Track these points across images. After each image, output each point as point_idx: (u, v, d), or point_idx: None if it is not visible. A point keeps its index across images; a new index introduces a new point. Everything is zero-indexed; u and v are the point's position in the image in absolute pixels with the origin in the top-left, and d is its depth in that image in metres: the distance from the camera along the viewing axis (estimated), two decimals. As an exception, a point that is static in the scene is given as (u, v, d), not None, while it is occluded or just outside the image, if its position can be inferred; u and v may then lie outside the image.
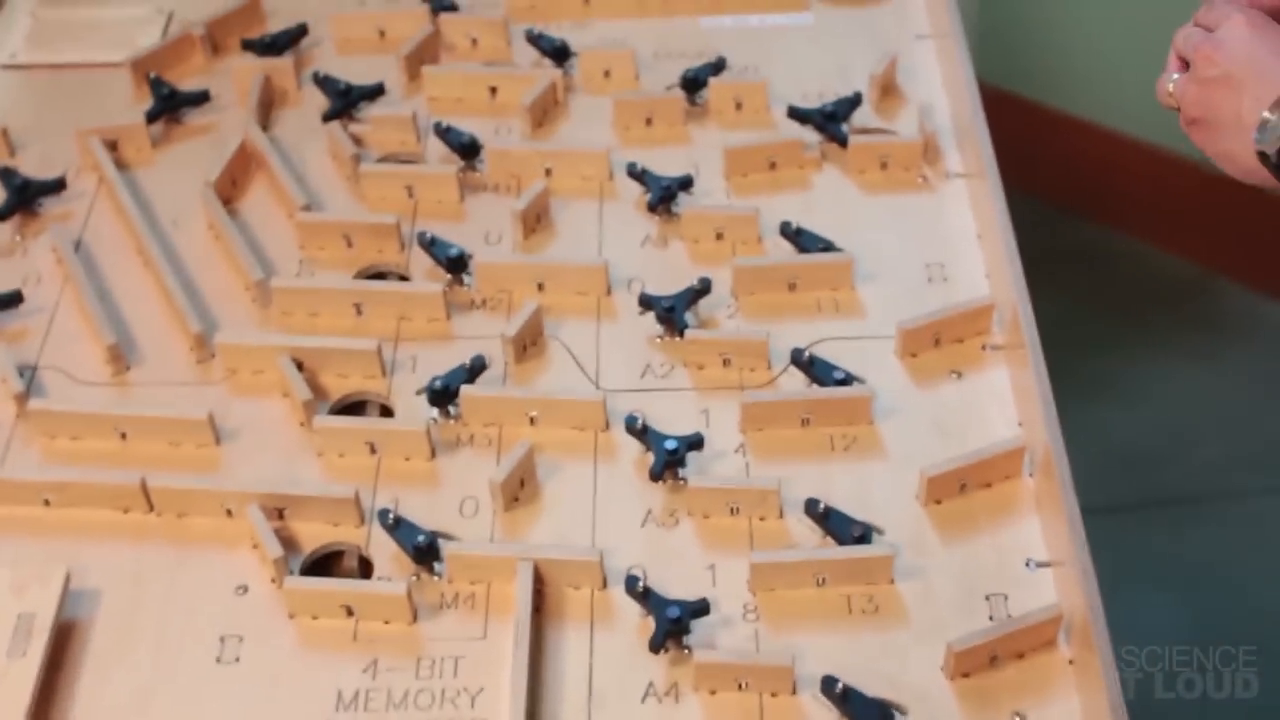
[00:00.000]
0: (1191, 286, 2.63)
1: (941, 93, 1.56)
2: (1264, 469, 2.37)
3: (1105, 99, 2.59)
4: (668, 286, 1.36)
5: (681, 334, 1.33)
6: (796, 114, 1.51)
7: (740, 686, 1.10)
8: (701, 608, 1.12)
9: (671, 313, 1.33)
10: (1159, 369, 2.48)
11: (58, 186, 1.50)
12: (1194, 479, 2.37)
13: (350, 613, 1.16)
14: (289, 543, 1.21)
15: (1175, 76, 1.14)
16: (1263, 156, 1.06)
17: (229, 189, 1.49)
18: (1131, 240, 2.71)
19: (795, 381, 1.30)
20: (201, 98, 1.58)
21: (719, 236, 1.41)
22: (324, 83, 1.57)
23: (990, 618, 1.13)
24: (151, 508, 1.24)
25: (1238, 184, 1.13)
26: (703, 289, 1.34)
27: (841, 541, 1.17)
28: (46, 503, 1.24)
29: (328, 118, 1.54)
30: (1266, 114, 1.05)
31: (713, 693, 1.10)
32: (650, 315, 1.34)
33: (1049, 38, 2.64)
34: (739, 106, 1.54)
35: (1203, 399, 2.48)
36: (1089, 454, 2.31)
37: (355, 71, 1.60)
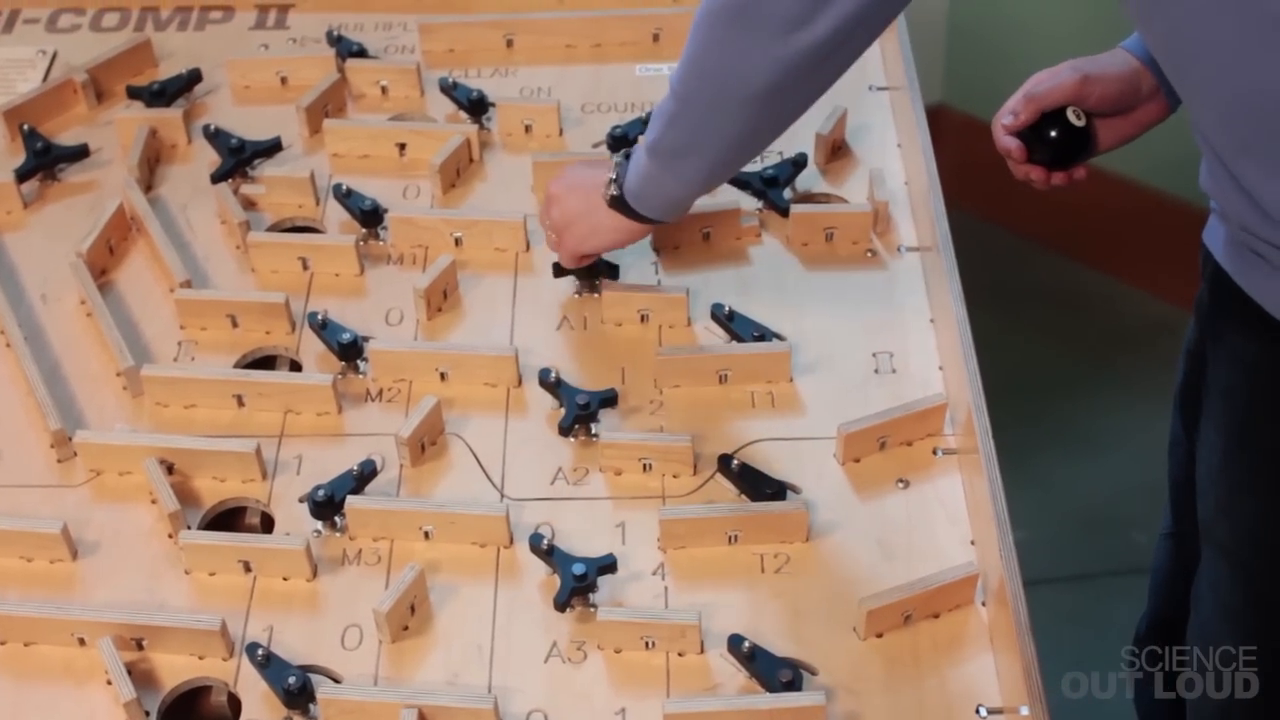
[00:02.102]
0: (1160, 325, 2.50)
1: (896, 153, 1.43)
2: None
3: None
4: (586, 378, 1.23)
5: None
6: (734, 179, 1.37)
7: None
8: None
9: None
10: (1133, 416, 2.34)
11: (-85, 255, 1.35)
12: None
13: (212, 765, 1.02)
14: (147, 677, 1.08)
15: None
16: (615, 201, 1.19)
17: (105, 258, 1.35)
18: (1105, 277, 2.59)
19: (723, 492, 1.17)
20: (80, 153, 1.44)
21: (643, 319, 1.28)
22: (215, 137, 1.43)
23: (936, 777, 1.00)
24: (-3, 637, 1.10)
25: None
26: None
27: (769, 686, 1.04)
28: (-124, 629, 1.10)
29: (217, 178, 1.40)
30: (614, 166, 1.19)
31: None
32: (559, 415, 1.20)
33: (1019, 66, 2.52)
34: (671, 168, 1.40)
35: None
36: (1060, 513, 2.21)
37: (253, 123, 1.46)
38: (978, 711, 1.04)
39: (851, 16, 1.01)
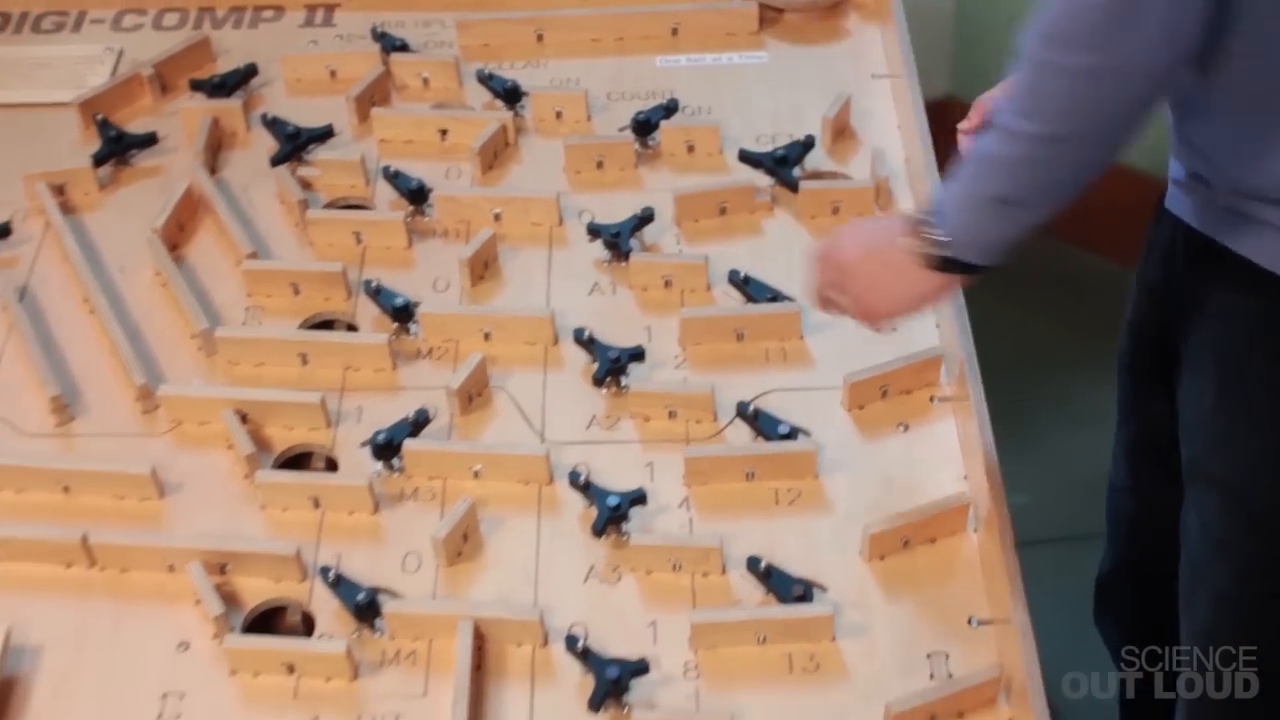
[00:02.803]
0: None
1: (895, 134, 1.56)
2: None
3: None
4: (616, 336, 1.36)
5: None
6: (748, 158, 1.51)
7: None
8: (641, 667, 1.12)
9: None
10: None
11: (3, 232, 1.49)
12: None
13: (291, 670, 1.16)
14: (231, 598, 1.21)
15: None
16: (944, 262, 1.13)
17: (176, 235, 1.48)
18: (1107, 261, 2.71)
19: (741, 435, 1.30)
20: (149, 140, 1.57)
21: (667, 284, 1.41)
22: (273, 125, 1.56)
23: (931, 676, 1.13)
24: (94, 563, 1.23)
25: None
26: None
27: (783, 599, 1.17)
28: (-13, 558, 1.24)
29: (276, 161, 1.53)
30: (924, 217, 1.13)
31: None
32: (591, 366, 1.34)
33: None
34: (691, 149, 1.54)
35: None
36: (1059, 479, 2.33)
37: (306, 112, 1.59)
38: (969, 622, 1.17)
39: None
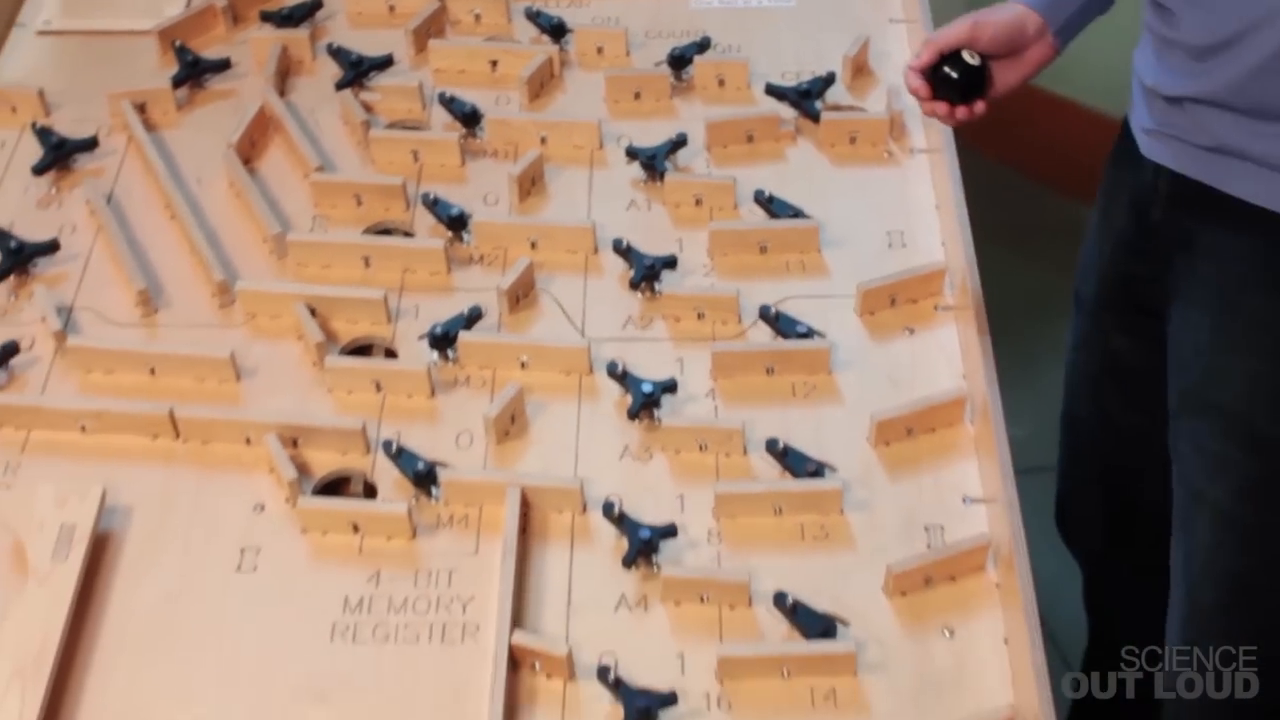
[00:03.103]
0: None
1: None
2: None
3: (1084, 80, 2.70)
4: (651, 246, 1.49)
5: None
6: (774, 91, 1.64)
7: (702, 600, 1.23)
8: (670, 531, 1.26)
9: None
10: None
11: (91, 145, 1.63)
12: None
13: (356, 529, 1.30)
14: (301, 468, 1.35)
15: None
16: None
17: (248, 150, 1.62)
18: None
19: (762, 335, 1.43)
20: (223, 65, 1.71)
21: (698, 202, 1.54)
22: (337, 54, 1.70)
23: (928, 545, 1.27)
24: (178, 435, 1.37)
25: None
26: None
27: (797, 476, 1.31)
28: (83, 429, 1.38)
29: (340, 86, 1.67)
30: None
31: (677, 604, 1.24)
32: (623, 272, 1.47)
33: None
34: (721, 83, 1.67)
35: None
36: (1056, 414, 2.45)
37: (366, 43, 1.73)
38: (963, 501, 1.30)
39: None
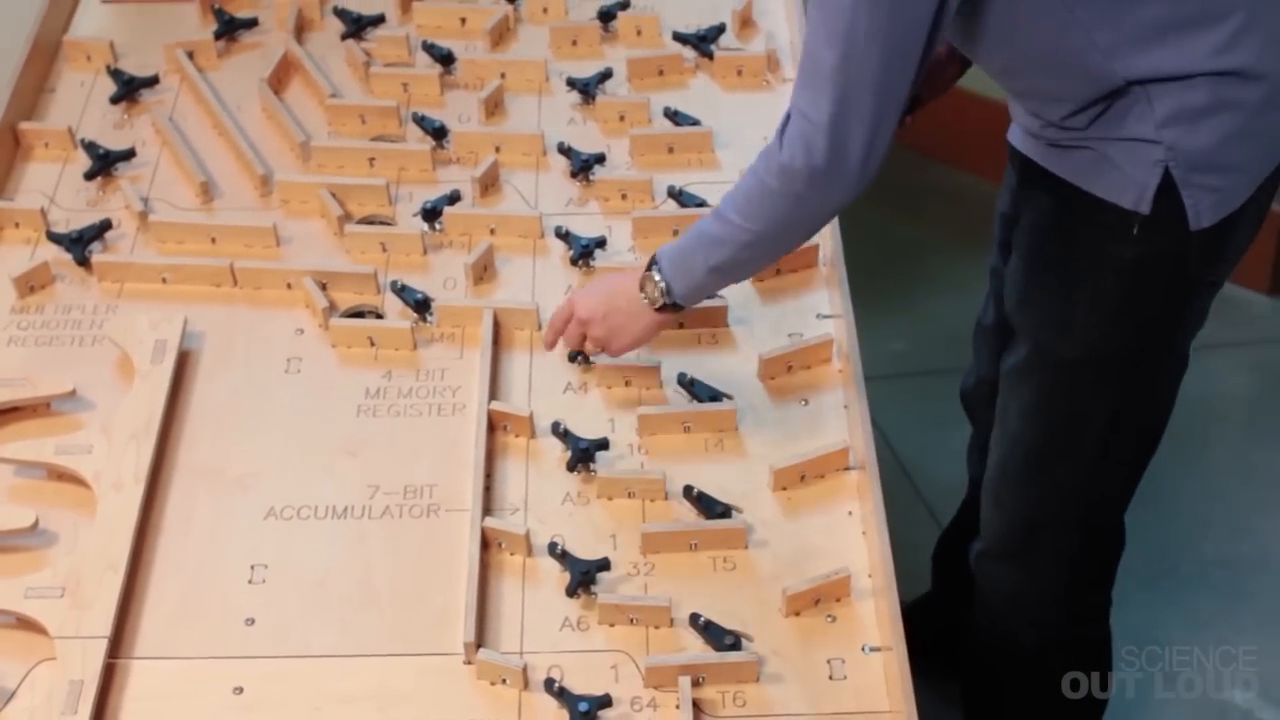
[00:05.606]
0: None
1: (784, 24, 2.19)
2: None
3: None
4: (585, 147, 1.98)
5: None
6: (679, 37, 2.14)
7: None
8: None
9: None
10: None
11: (153, 81, 2.10)
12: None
13: (372, 343, 1.78)
14: (329, 303, 1.83)
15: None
16: (666, 308, 1.59)
17: (276, 84, 2.10)
18: (976, 178, 3.31)
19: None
20: (252, 23, 2.19)
21: (621, 118, 2.04)
22: (341, 14, 2.19)
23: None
24: (236, 282, 1.85)
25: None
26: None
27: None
28: (164, 280, 1.85)
29: (345, 37, 2.16)
30: (654, 282, 1.58)
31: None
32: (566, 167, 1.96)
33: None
34: (639, 32, 2.17)
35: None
36: (927, 331, 2.95)
37: (364, 4, 2.21)
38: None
39: (889, 144, 1.45)
